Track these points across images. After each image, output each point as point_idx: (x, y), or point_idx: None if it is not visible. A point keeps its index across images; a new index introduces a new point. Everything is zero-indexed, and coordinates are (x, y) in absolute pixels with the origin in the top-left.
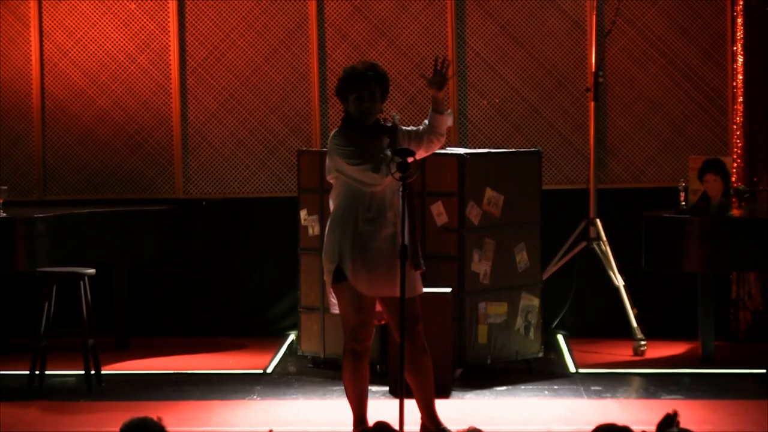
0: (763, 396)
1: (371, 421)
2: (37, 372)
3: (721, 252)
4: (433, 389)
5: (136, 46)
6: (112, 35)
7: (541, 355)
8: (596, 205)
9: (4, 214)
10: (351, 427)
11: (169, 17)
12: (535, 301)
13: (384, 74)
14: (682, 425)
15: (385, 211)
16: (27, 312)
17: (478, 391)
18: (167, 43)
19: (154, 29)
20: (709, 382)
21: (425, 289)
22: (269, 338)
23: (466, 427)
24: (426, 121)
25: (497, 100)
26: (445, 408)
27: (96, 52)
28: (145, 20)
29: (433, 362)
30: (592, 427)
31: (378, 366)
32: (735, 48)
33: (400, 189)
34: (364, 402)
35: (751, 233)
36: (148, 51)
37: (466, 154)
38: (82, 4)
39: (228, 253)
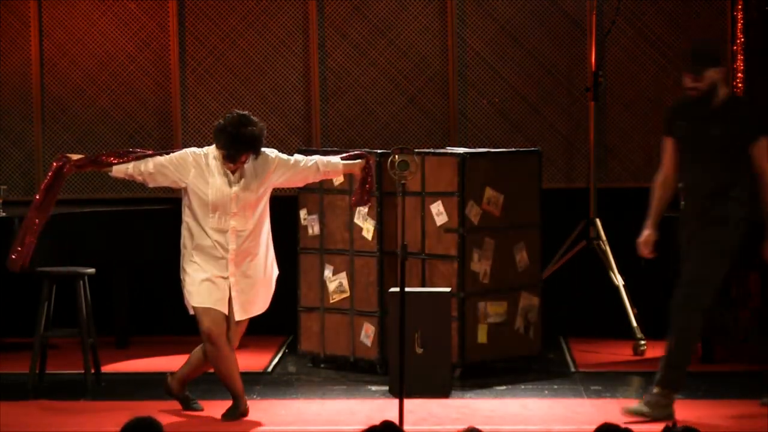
0: (763, 396)
1: (370, 419)
2: (37, 372)
3: None
4: (200, 373)
5: (135, 46)
6: (112, 35)
7: (541, 354)
8: (596, 205)
9: (4, 214)
10: (351, 427)
11: (168, 17)
12: (535, 301)
13: (256, 138)
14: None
15: (212, 239)
16: (27, 312)
17: (478, 391)
18: (167, 43)
19: (154, 29)
20: (709, 382)
21: (425, 289)
22: (269, 338)
23: (465, 426)
24: (319, 160)
25: (497, 100)
26: (444, 408)
27: (96, 51)
28: (144, 20)
29: (433, 362)
30: (592, 427)
31: (378, 366)
32: (735, 48)
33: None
34: (236, 379)
35: (750, 233)
36: (147, 51)
37: (466, 153)
38: (82, 4)
39: None
